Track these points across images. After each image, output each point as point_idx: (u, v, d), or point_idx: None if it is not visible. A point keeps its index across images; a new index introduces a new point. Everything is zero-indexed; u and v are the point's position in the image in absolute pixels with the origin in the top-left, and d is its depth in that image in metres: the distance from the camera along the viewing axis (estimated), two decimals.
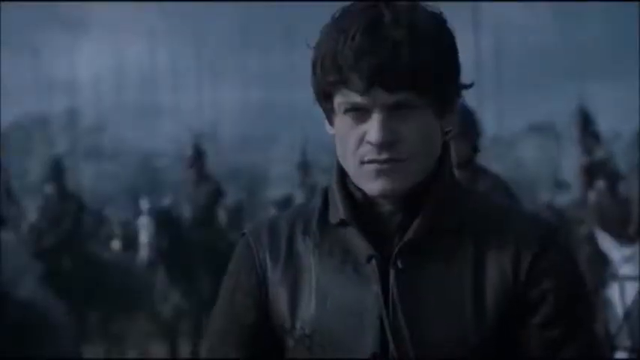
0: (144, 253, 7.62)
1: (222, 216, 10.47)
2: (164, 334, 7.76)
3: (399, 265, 1.31)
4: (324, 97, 1.33)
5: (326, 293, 1.32)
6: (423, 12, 1.30)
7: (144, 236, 7.65)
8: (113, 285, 7.55)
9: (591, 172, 8.81)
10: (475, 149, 4.24)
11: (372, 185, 1.31)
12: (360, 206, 1.33)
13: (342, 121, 1.32)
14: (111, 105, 35.98)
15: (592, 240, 6.77)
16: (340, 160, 1.34)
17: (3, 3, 24.40)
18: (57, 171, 7.62)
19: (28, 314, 4.77)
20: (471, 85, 1.35)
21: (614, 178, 8.52)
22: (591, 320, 1.33)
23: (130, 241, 9.00)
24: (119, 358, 7.76)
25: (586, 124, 11.28)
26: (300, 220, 1.37)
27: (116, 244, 10.64)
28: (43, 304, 5.08)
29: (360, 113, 1.30)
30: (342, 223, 1.34)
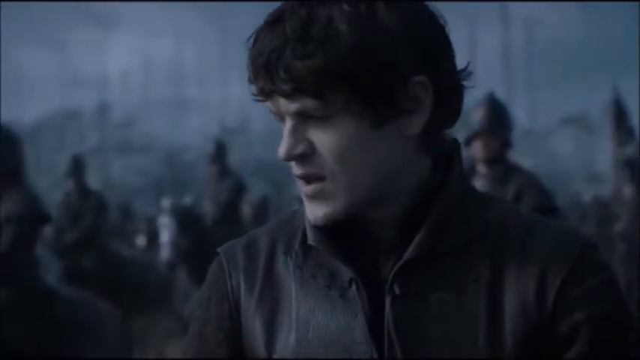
0: (165, 253, 7.48)
1: (247, 212, 10.31)
2: (185, 334, 7.62)
3: (396, 290, 1.08)
4: None
5: (308, 323, 1.10)
6: (345, 1, 1.05)
7: (165, 236, 7.52)
8: (134, 283, 7.43)
9: (625, 166, 8.53)
10: (507, 145, 4.04)
11: (306, 210, 1.10)
12: (342, 223, 1.11)
13: None
14: (140, 100, 36.14)
15: (627, 237, 6.53)
16: None
17: (18, 2, 24.51)
18: (77, 168, 7.50)
19: (78, 313, 4.71)
20: (452, 82, 1.09)
21: None
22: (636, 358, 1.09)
23: (156, 237, 8.90)
24: (139, 357, 7.64)
25: (620, 117, 11.00)
26: (282, 237, 1.15)
27: (142, 240, 10.56)
28: (91, 302, 5.02)
29: (283, 121, 1.10)
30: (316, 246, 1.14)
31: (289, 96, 1.06)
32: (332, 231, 1.11)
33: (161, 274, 7.73)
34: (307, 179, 1.08)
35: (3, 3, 34.75)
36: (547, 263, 1.08)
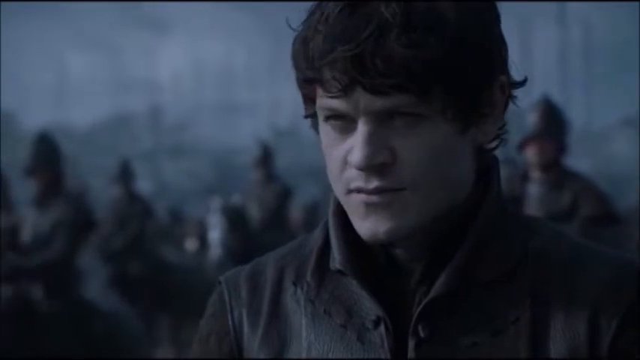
0: (214, 252, 7.45)
1: (298, 216, 10.20)
2: None
3: (421, 333, 0.94)
4: (306, 99, 0.95)
5: None
6: None
7: (214, 235, 7.49)
8: (181, 289, 7.40)
9: None
10: (562, 149, 3.89)
11: (361, 225, 0.93)
12: (367, 248, 0.96)
13: (325, 131, 0.94)
14: (191, 103, 36.48)
15: None
16: (331, 184, 0.97)
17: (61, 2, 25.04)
18: (125, 173, 7.49)
19: (111, 326, 4.75)
20: (523, 83, 0.96)
21: None
22: None
23: (206, 241, 8.89)
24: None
25: None
26: (292, 264, 1.00)
27: (191, 244, 10.55)
28: (121, 313, 5.05)
29: (344, 123, 0.92)
30: (344, 272, 0.97)
31: (381, 92, 0.90)
32: (364, 256, 0.95)
33: (209, 279, 7.69)
34: (377, 191, 0.92)
35: (51, 3, 35.53)
36: (600, 301, 0.93)
